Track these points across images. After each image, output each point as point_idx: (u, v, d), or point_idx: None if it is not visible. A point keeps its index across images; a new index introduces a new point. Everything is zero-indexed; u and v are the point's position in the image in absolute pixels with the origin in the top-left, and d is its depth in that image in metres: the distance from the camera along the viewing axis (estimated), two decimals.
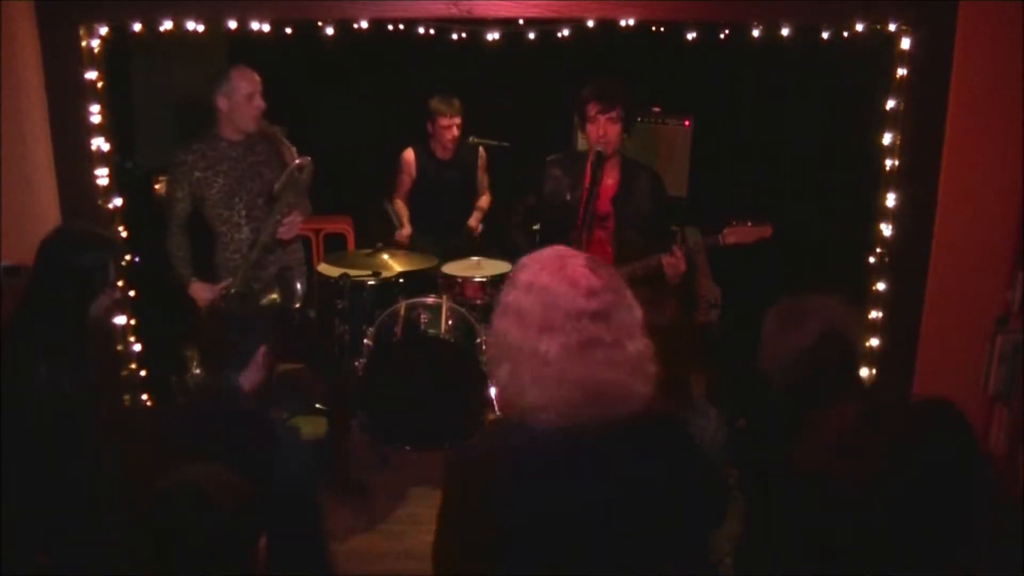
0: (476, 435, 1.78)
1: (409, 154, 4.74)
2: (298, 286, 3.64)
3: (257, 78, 3.48)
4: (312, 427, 4.21)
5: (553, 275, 1.53)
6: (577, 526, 1.53)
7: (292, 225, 3.54)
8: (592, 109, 3.42)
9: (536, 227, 3.83)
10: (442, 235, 4.82)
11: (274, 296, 3.61)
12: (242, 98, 3.42)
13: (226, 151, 3.51)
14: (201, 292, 3.48)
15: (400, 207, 4.75)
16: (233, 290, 3.45)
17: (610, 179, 3.54)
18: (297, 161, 3.46)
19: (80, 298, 2.46)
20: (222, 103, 3.44)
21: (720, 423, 2.56)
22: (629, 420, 1.52)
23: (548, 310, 1.50)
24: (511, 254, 3.88)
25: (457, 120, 4.67)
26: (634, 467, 1.55)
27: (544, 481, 1.54)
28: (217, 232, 3.52)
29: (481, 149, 4.89)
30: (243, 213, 3.49)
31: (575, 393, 1.49)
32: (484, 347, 4.14)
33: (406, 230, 4.70)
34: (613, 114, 3.40)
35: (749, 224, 3.38)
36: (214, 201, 3.49)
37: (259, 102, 3.47)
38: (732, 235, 3.38)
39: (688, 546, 1.60)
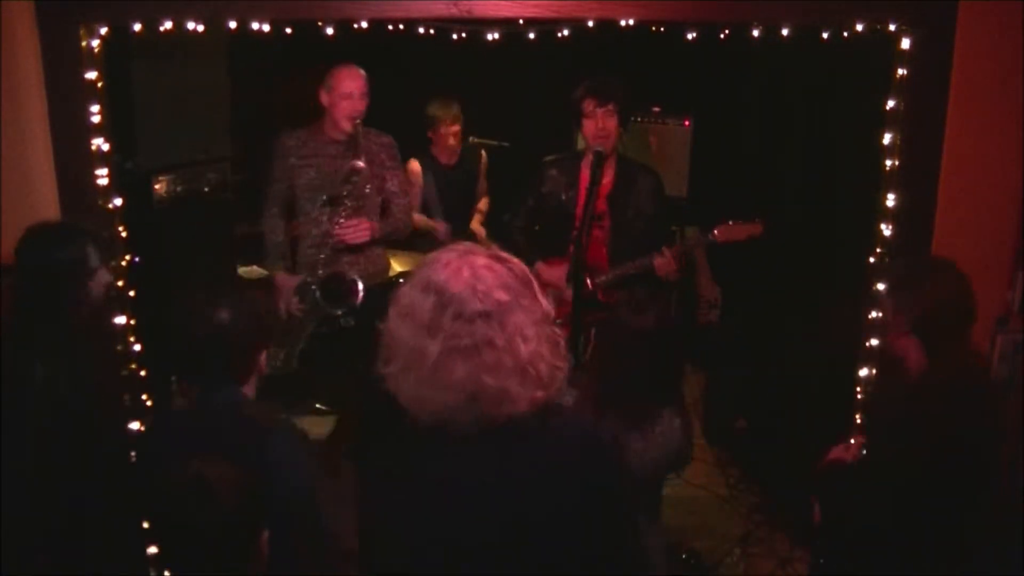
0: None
1: (415, 165, 4.71)
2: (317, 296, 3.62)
3: (360, 76, 3.52)
4: (319, 427, 4.21)
5: (450, 274, 1.50)
6: (449, 530, 1.53)
7: (354, 229, 3.53)
8: (588, 105, 3.43)
9: (536, 228, 3.83)
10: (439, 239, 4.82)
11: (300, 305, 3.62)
12: (339, 96, 3.46)
13: (324, 147, 3.56)
14: (285, 282, 3.59)
15: (420, 218, 4.69)
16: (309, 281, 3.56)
17: (606, 178, 3.54)
18: (355, 163, 3.47)
19: (66, 293, 2.47)
20: (324, 98, 3.51)
21: (678, 434, 2.55)
22: (510, 423, 1.50)
23: (438, 311, 1.48)
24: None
25: (457, 126, 4.67)
26: (509, 470, 1.53)
27: (419, 483, 1.55)
28: (302, 224, 3.63)
29: (483, 153, 4.89)
30: (326, 211, 3.53)
31: (455, 395, 1.48)
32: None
33: (440, 226, 4.71)
34: (610, 107, 3.42)
35: (740, 223, 3.44)
36: (300, 192, 3.57)
37: (358, 103, 3.49)
38: (723, 233, 3.45)
39: (579, 548, 1.56)
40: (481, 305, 1.48)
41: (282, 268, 3.69)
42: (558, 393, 1.56)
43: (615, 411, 2.45)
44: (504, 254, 1.59)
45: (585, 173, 3.54)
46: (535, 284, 1.58)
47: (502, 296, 1.50)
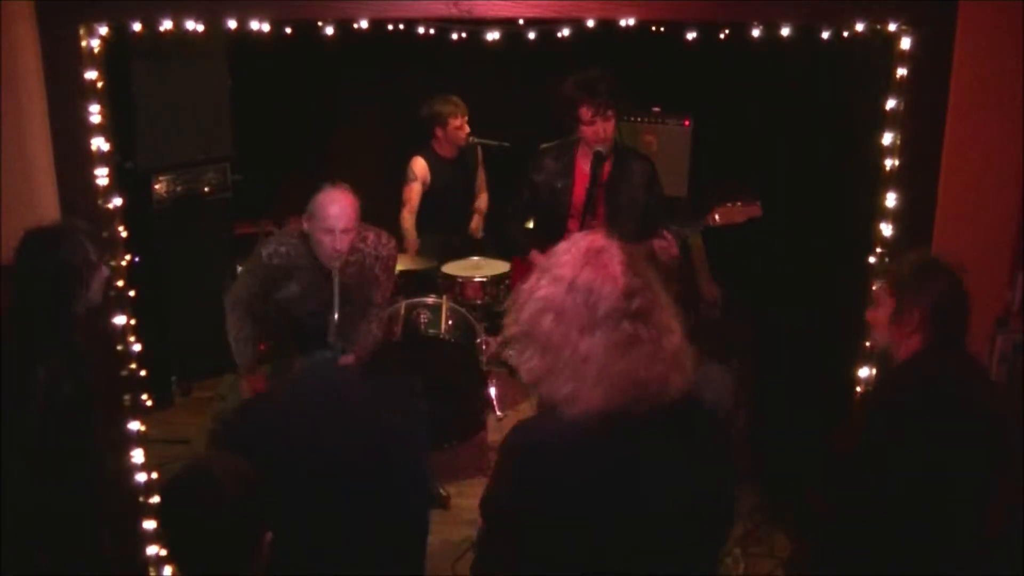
0: (520, 424, 1.78)
1: (421, 162, 4.69)
2: None
3: (348, 208, 3.13)
4: None
5: (593, 273, 1.53)
6: (612, 516, 1.56)
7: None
8: (587, 113, 3.43)
9: (530, 220, 3.86)
10: (444, 235, 4.82)
11: None
12: (320, 230, 3.11)
13: (310, 265, 3.27)
14: (258, 387, 3.29)
15: (409, 222, 4.67)
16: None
17: (602, 168, 3.56)
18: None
19: (67, 293, 2.47)
20: (305, 224, 3.19)
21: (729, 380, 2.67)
22: (663, 411, 1.55)
23: (589, 310, 1.51)
24: (506, 247, 3.92)
25: (466, 117, 4.68)
26: (668, 458, 1.58)
27: (580, 472, 1.56)
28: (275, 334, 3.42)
29: (478, 147, 4.90)
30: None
31: (615, 388, 1.51)
32: (484, 346, 4.15)
33: (414, 245, 4.66)
34: (608, 113, 3.43)
35: (739, 204, 3.39)
36: (278, 303, 3.32)
37: (339, 242, 3.11)
38: (722, 215, 3.40)
39: (712, 540, 1.65)
40: (629, 304, 1.52)
41: (253, 369, 3.38)
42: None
43: None
44: (631, 252, 1.61)
45: (580, 162, 3.58)
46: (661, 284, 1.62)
47: (648, 295, 1.54)
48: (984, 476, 2.22)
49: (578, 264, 1.55)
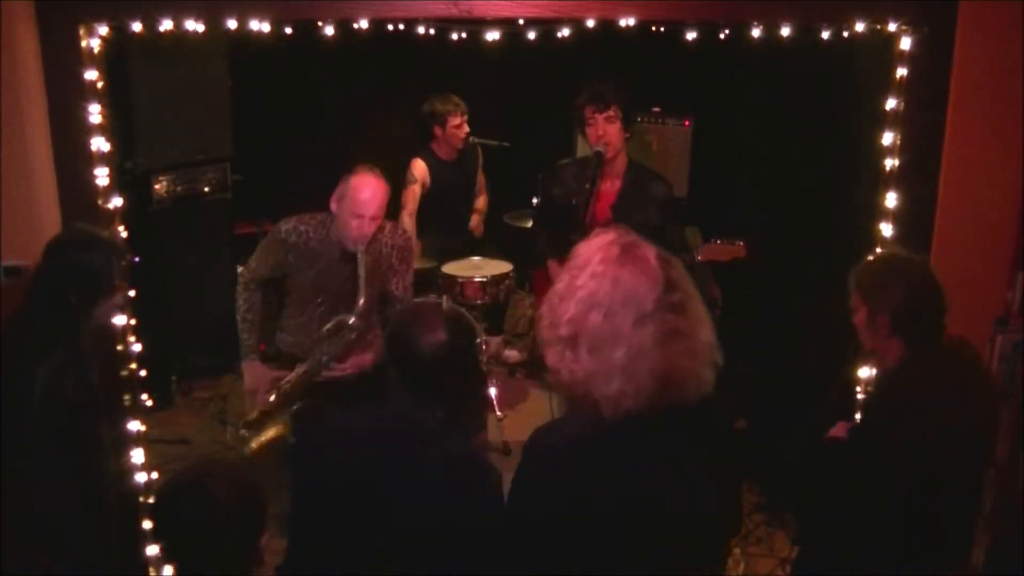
0: (553, 422, 1.83)
1: (420, 164, 4.67)
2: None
3: (378, 194, 3.16)
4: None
5: (633, 267, 1.57)
6: (630, 516, 1.59)
7: (353, 367, 3.26)
8: (587, 111, 3.44)
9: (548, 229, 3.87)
10: (444, 237, 4.81)
11: None
12: (349, 214, 3.13)
13: (329, 248, 3.27)
14: (258, 374, 3.26)
15: (409, 225, 4.62)
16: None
17: (612, 185, 3.54)
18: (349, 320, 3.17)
19: (84, 299, 2.48)
20: (333, 205, 3.21)
21: None
22: (689, 406, 1.58)
23: (638, 304, 1.54)
24: (531, 259, 3.91)
25: (465, 118, 4.66)
26: (687, 459, 1.62)
27: (616, 470, 1.59)
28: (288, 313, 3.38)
29: (479, 149, 4.89)
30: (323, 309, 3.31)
31: (656, 381, 1.54)
32: (484, 346, 4.14)
33: (415, 248, 4.64)
34: (610, 113, 3.42)
35: (722, 243, 3.54)
36: (292, 287, 3.33)
37: (367, 227, 3.14)
38: (706, 254, 3.53)
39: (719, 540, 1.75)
40: (670, 297, 1.55)
41: (255, 356, 3.35)
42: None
43: None
44: (664, 252, 1.64)
45: (598, 181, 3.55)
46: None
47: (685, 288, 1.58)
48: (975, 476, 2.22)
49: (614, 260, 1.57)
